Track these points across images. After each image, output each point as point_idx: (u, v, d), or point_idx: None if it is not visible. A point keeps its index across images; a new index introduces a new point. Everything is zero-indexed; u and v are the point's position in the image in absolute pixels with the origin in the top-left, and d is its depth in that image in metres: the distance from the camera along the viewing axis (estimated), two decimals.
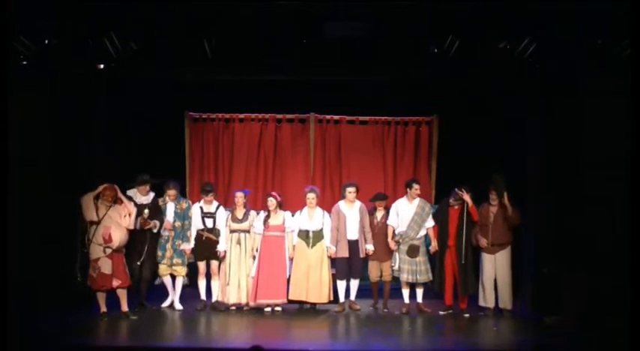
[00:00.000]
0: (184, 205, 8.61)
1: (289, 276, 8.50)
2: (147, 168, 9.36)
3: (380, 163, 10.35)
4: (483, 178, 8.77)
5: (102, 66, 8.62)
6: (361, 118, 10.32)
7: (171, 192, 8.56)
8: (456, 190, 8.39)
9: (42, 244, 7.86)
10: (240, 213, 8.55)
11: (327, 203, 10.20)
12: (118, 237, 7.81)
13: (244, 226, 8.52)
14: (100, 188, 7.91)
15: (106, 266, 7.79)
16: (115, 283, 7.86)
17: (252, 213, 8.63)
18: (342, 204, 8.62)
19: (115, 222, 7.84)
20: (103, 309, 7.93)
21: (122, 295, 7.96)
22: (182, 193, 9.51)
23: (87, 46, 8.08)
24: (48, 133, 8.27)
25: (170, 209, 8.54)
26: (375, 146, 10.33)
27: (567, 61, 8.08)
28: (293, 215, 8.66)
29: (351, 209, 8.57)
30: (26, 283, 7.53)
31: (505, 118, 9.51)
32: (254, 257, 8.50)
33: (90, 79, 8.70)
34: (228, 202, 10.07)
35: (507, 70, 8.56)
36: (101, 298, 7.92)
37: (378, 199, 8.66)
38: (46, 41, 7.89)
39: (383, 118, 10.31)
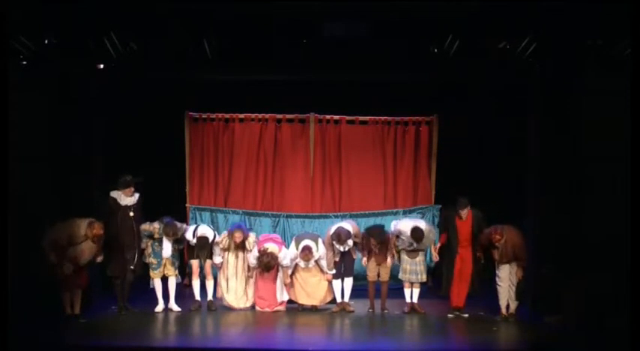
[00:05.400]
0: (180, 233, 8.34)
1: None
2: (147, 168, 9.37)
3: (380, 163, 10.34)
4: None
5: (102, 66, 8.63)
6: (361, 118, 10.32)
7: (169, 238, 8.23)
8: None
9: (41, 243, 7.83)
10: (237, 244, 8.45)
11: (326, 203, 10.24)
12: (87, 257, 7.79)
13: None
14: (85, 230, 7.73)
15: (70, 266, 7.73)
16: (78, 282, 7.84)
17: (251, 237, 8.51)
18: (335, 243, 8.39)
19: (89, 247, 7.79)
20: (74, 310, 7.88)
21: (77, 295, 7.89)
22: (182, 193, 9.54)
23: (87, 46, 8.09)
24: (48, 133, 8.28)
25: (167, 244, 8.28)
26: (375, 146, 10.32)
27: (567, 61, 8.08)
28: (290, 232, 8.62)
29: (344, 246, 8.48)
30: (26, 283, 7.54)
31: (505, 118, 9.51)
32: (251, 277, 8.53)
33: (90, 79, 8.70)
34: (228, 203, 10.10)
35: (507, 70, 8.56)
36: (66, 298, 7.85)
37: (376, 238, 8.34)
38: (46, 41, 7.90)
39: (383, 118, 10.31)
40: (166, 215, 8.41)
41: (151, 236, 8.32)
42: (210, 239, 8.47)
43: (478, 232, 8.27)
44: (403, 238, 8.35)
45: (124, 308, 8.31)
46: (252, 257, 8.36)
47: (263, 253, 8.21)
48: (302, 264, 8.39)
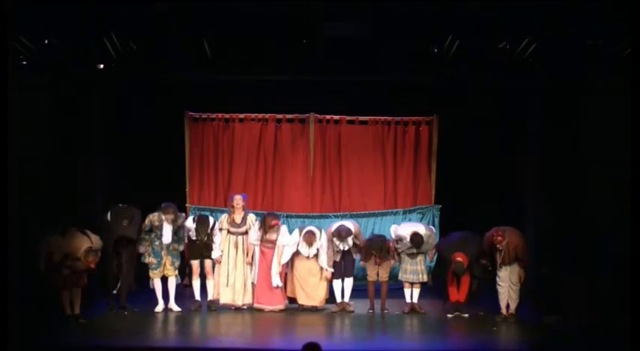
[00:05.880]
0: (180, 221, 8.44)
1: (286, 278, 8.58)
2: (147, 168, 9.38)
3: (380, 163, 10.33)
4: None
5: (102, 66, 8.63)
6: (361, 118, 10.31)
7: (169, 217, 8.27)
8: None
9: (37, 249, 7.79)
10: (238, 217, 8.53)
11: (327, 203, 10.23)
12: (82, 268, 7.73)
13: (242, 230, 8.52)
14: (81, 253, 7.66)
15: (65, 270, 7.73)
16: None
17: (251, 216, 8.61)
18: (336, 239, 8.44)
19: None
20: (73, 310, 7.87)
21: (77, 295, 7.89)
22: (182, 193, 9.52)
23: (87, 46, 8.09)
24: (48, 133, 8.27)
25: (167, 229, 8.32)
26: (375, 146, 10.31)
27: (567, 61, 8.08)
28: (291, 231, 8.63)
29: (344, 244, 8.50)
30: (26, 283, 7.54)
31: (505, 118, 9.51)
32: (249, 263, 8.50)
33: (90, 79, 8.70)
34: (228, 203, 10.08)
35: (507, 70, 8.57)
36: (66, 298, 7.84)
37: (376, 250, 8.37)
38: (46, 41, 7.90)
39: (383, 118, 10.30)
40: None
41: (151, 230, 8.32)
42: (211, 223, 8.49)
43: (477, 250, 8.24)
44: (404, 241, 8.36)
45: (114, 307, 8.34)
46: (254, 232, 8.43)
47: (266, 215, 8.43)
48: (304, 250, 8.38)
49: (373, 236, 8.72)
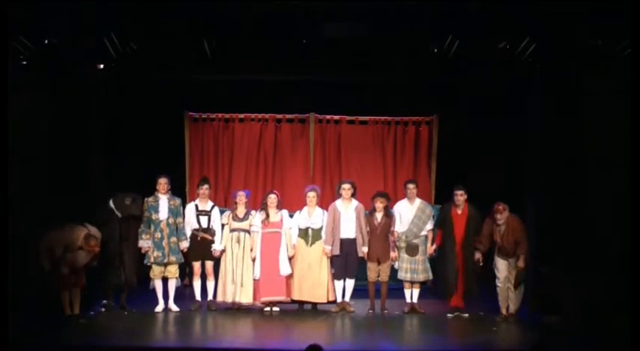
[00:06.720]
0: (177, 202, 8.54)
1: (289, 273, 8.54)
2: (147, 168, 9.37)
3: (380, 163, 10.35)
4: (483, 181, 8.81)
5: (102, 66, 8.63)
6: (361, 118, 10.32)
7: (162, 180, 8.40)
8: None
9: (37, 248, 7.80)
10: (241, 212, 8.56)
11: (326, 203, 10.19)
12: (82, 262, 7.77)
13: (245, 224, 8.52)
14: (80, 239, 7.71)
15: (66, 268, 7.75)
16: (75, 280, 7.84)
17: (253, 213, 8.63)
18: (338, 202, 8.60)
19: (84, 255, 7.78)
20: (73, 310, 7.88)
21: (76, 295, 7.90)
22: (182, 193, 9.52)
23: (87, 46, 8.09)
24: (48, 133, 8.27)
25: (164, 205, 8.42)
26: (375, 146, 10.33)
27: (567, 61, 8.08)
28: (291, 215, 8.66)
29: (347, 208, 8.55)
30: (26, 283, 7.55)
31: (505, 118, 9.51)
32: (253, 259, 8.49)
33: (90, 79, 8.70)
34: (228, 202, 10.10)
35: (507, 70, 8.57)
36: (66, 298, 7.86)
37: (379, 195, 8.58)
38: (46, 41, 7.90)
39: (383, 118, 10.31)
40: None
41: (149, 214, 8.35)
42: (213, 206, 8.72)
43: (473, 231, 8.24)
44: (401, 232, 8.43)
45: (111, 307, 8.32)
46: (257, 219, 8.49)
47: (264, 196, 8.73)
48: (303, 219, 8.50)
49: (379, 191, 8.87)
